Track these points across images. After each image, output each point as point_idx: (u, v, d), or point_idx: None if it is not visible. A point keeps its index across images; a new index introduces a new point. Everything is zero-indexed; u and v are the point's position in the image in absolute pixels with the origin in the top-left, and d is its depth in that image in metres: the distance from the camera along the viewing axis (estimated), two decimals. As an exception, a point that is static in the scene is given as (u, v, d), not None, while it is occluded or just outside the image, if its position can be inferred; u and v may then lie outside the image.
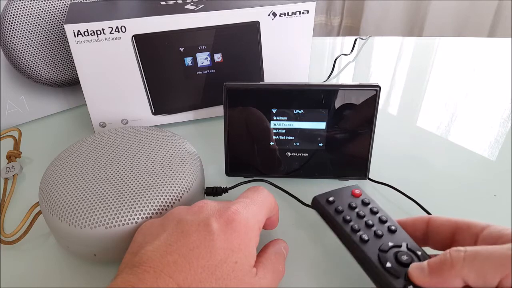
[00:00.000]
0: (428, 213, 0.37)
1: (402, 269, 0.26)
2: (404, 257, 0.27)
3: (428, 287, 0.25)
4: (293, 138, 0.40)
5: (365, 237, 0.29)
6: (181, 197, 0.33)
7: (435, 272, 0.24)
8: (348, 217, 0.31)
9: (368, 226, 0.30)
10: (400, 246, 0.28)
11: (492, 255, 0.23)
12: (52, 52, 0.51)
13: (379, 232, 0.29)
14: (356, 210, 0.31)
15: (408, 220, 0.31)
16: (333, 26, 2.13)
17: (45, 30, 0.50)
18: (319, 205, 0.33)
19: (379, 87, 0.38)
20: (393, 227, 0.30)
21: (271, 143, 0.40)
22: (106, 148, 0.37)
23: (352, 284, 0.32)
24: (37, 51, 0.50)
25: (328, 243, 0.36)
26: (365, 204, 0.32)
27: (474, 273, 0.23)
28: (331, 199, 0.33)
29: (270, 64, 0.52)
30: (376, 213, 0.31)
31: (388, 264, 0.27)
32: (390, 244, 0.28)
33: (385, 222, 0.30)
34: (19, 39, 0.48)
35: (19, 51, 0.49)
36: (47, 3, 0.49)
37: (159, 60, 0.48)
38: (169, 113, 0.52)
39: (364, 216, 0.31)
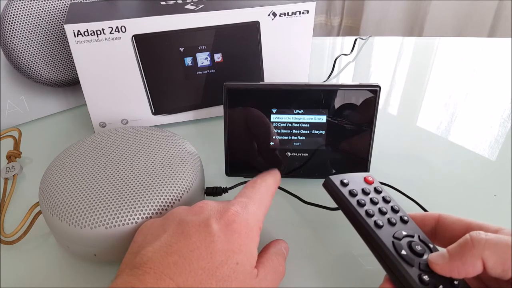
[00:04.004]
0: (428, 213, 0.38)
1: (416, 258, 0.26)
2: (418, 247, 0.27)
3: (449, 274, 0.25)
4: (293, 138, 0.40)
5: (380, 222, 0.28)
6: (181, 197, 0.33)
7: (455, 255, 0.25)
8: (362, 201, 0.30)
9: (382, 212, 0.30)
10: (413, 236, 0.28)
11: None
12: (52, 52, 0.51)
13: (393, 220, 0.29)
14: (370, 196, 0.31)
15: (418, 215, 0.31)
16: (333, 26, 2.13)
17: (45, 30, 0.50)
18: (332, 185, 0.32)
19: (379, 87, 0.38)
20: (405, 218, 0.30)
21: (271, 143, 0.40)
22: (106, 148, 0.37)
23: (353, 284, 0.32)
24: (37, 51, 0.50)
25: (329, 243, 0.36)
26: (377, 191, 0.32)
27: (494, 257, 0.23)
28: (345, 181, 0.32)
29: (270, 64, 0.52)
30: (389, 202, 0.31)
31: (403, 252, 0.27)
32: (404, 233, 0.28)
33: (397, 211, 0.30)
34: (19, 39, 0.48)
35: (19, 51, 0.49)
36: (47, 3, 0.49)
37: (159, 60, 0.48)
38: (169, 113, 0.52)
39: (377, 203, 0.30)
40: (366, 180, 0.33)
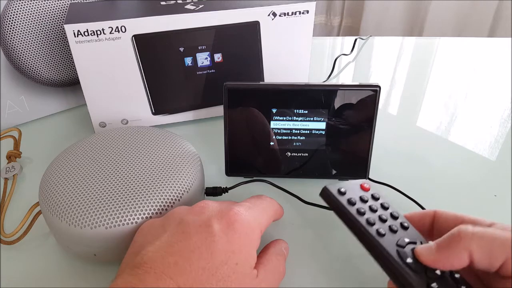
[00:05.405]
0: (428, 213, 0.37)
1: (422, 266, 0.26)
2: None
3: (434, 265, 0.25)
4: (293, 138, 0.40)
5: (382, 230, 0.28)
6: (181, 197, 0.33)
7: (442, 247, 0.25)
8: (362, 210, 0.29)
9: (382, 220, 0.29)
10: (415, 243, 0.28)
11: (501, 236, 0.24)
12: (52, 52, 0.51)
13: (394, 227, 0.28)
14: (368, 203, 0.30)
15: (416, 214, 0.31)
16: (333, 26, 2.13)
17: (45, 30, 0.50)
18: (330, 195, 0.31)
19: (379, 87, 0.38)
20: (405, 224, 0.29)
21: (271, 143, 0.40)
22: (106, 148, 0.37)
23: (353, 284, 0.32)
24: (37, 51, 0.50)
25: (329, 243, 0.36)
26: (375, 198, 0.31)
27: (481, 250, 0.23)
28: (342, 190, 0.31)
29: (270, 64, 0.52)
30: (387, 208, 0.30)
31: (409, 260, 0.26)
32: (407, 240, 0.28)
33: (397, 218, 0.30)
34: (19, 39, 0.48)
35: (19, 51, 0.49)
36: (47, 3, 0.49)
37: (159, 60, 0.48)
38: (169, 113, 0.52)
39: (376, 210, 0.30)
40: (362, 188, 0.32)
